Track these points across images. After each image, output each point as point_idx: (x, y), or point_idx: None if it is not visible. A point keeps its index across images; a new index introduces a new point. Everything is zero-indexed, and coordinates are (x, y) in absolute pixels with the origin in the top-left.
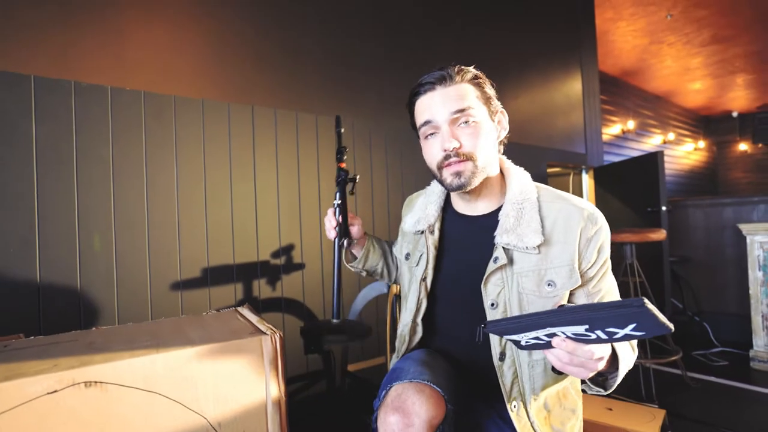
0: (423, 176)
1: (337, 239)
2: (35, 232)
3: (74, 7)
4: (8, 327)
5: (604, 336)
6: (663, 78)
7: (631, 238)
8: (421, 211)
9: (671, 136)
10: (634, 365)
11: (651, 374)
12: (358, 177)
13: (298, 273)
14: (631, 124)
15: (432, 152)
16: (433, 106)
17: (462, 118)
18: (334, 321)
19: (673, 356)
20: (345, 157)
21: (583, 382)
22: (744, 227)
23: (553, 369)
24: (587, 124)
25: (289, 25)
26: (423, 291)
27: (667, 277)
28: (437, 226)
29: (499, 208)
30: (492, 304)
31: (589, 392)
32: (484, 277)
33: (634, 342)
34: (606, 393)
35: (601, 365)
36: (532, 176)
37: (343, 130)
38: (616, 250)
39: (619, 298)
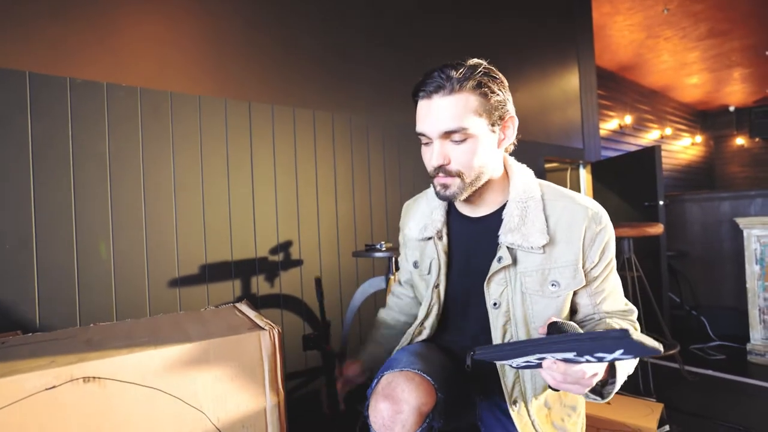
0: (421, 172)
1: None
2: (32, 229)
3: (68, 2)
4: (5, 324)
5: (593, 360)
6: (660, 73)
7: (629, 232)
8: (427, 217)
9: (668, 131)
10: None
11: (649, 368)
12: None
13: (296, 270)
14: (628, 119)
15: (426, 159)
16: (426, 118)
17: (454, 136)
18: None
19: (671, 350)
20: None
21: None
22: (741, 221)
23: (550, 386)
24: (584, 119)
25: (286, 20)
26: (435, 297)
27: (664, 272)
28: (444, 231)
29: (502, 207)
30: (495, 304)
31: (586, 399)
32: (487, 277)
33: None
34: (602, 401)
35: (597, 380)
36: None
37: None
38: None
39: (624, 299)
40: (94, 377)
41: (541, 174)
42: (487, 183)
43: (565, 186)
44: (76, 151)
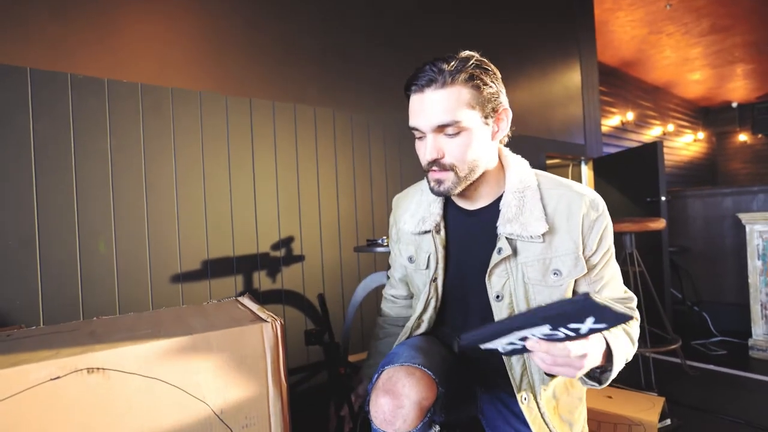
0: (421, 168)
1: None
2: (35, 224)
3: (69, 1)
4: (9, 320)
5: (570, 333)
6: (662, 69)
7: (631, 227)
8: (425, 210)
9: (671, 127)
10: (634, 354)
11: (650, 363)
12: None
13: (298, 265)
14: (630, 116)
15: (419, 154)
16: (419, 112)
17: (448, 129)
18: None
19: (673, 345)
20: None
21: None
22: (743, 216)
23: (546, 374)
24: (586, 115)
25: (287, 17)
26: (433, 291)
27: (666, 267)
28: (442, 224)
29: (499, 199)
30: (497, 296)
31: (584, 385)
32: (489, 269)
33: (635, 335)
34: (600, 387)
35: (591, 363)
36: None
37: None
38: (616, 239)
39: (623, 287)
40: (97, 368)
41: (542, 170)
42: (483, 175)
43: None
44: (78, 148)
